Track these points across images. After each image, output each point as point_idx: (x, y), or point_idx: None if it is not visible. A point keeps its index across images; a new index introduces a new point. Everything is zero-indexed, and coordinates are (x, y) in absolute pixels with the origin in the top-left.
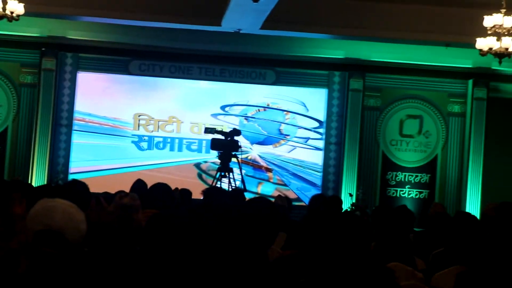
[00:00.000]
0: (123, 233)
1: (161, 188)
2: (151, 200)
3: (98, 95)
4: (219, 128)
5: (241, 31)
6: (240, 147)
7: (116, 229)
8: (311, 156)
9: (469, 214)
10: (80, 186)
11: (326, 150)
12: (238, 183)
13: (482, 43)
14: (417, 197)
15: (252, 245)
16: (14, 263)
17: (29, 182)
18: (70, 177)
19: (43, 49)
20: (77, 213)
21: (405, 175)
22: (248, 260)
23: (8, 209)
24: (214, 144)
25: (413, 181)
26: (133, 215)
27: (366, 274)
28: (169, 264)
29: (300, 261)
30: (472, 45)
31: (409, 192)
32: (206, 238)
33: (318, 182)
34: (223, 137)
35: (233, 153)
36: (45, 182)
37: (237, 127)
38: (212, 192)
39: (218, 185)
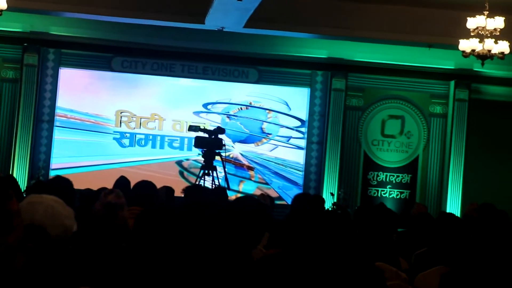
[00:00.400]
0: (108, 230)
1: (146, 185)
2: (135, 197)
3: (80, 92)
4: (202, 126)
5: (224, 29)
6: (224, 145)
7: (101, 226)
8: (293, 155)
9: (452, 214)
10: (64, 182)
11: (308, 149)
12: (221, 181)
13: (465, 45)
14: (398, 197)
15: (239, 244)
16: (12, 259)
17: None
18: (52, 173)
19: (25, 44)
20: (62, 208)
21: (386, 175)
22: (234, 259)
23: (5, 205)
24: (198, 142)
25: (394, 181)
26: (118, 212)
27: (357, 274)
28: (157, 262)
29: (285, 260)
30: (454, 47)
31: (390, 192)
32: (194, 236)
33: (300, 181)
34: (207, 135)
35: (217, 151)
36: (26, 178)
37: (220, 125)
38: (194, 190)
39: (201, 183)
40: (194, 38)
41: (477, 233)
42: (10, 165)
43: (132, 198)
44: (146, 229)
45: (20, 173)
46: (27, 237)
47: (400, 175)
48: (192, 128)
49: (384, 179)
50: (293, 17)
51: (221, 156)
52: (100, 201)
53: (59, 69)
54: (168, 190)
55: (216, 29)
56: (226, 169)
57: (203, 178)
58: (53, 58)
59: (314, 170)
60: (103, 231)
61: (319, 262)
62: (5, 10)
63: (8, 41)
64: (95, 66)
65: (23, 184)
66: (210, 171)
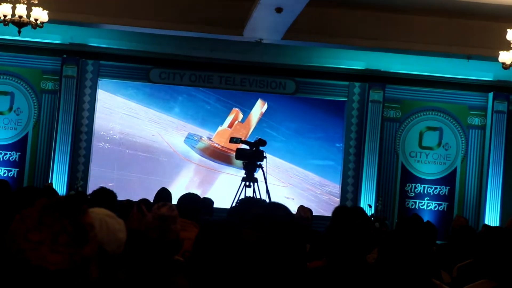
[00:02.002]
0: (161, 243)
1: (191, 198)
2: (180, 209)
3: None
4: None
5: (262, 41)
6: (265, 157)
7: (154, 240)
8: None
9: (499, 227)
10: (108, 194)
11: (345, 161)
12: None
13: (505, 57)
14: (436, 209)
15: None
16: (87, 271)
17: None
18: (90, 183)
19: (64, 56)
20: (115, 222)
21: (424, 187)
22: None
23: (80, 219)
24: (239, 154)
25: (432, 193)
26: (171, 225)
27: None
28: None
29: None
30: (493, 58)
31: (428, 204)
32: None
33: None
34: (248, 147)
35: (258, 163)
36: (65, 189)
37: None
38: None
39: (242, 195)
40: (232, 49)
41: None
42: (49, 175)
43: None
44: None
45: (59, 184)
46: None
47: (438, 187)
48: (233, 140)
49: (421, 191)
50: (331, 29)
51: (262, 168)
52: (153, 213)
53: (98, 81)
54: (205, 201)
55: (254, 41)
56: (267, 181)
57: (244, 190)
58: (91, 70)
59: (351, 182)
60: (156, 244)
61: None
62: (46, 22)
63: (47, 53)
64: (133, 77)
65: (62, 194)
66: (251, 183)
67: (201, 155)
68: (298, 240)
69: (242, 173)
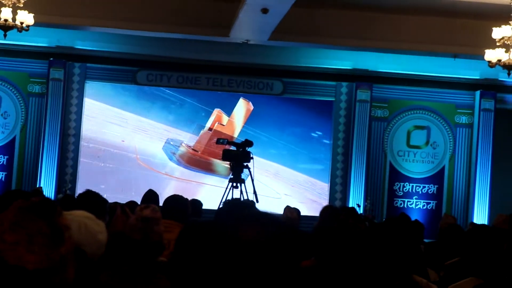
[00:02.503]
0: (145, 245)
1: (178, 199)
2: (166, 211)
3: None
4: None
5: (249, 42)
6: (252, 158)
7: (138, 241)
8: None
9: (485, 226)
10: (95, 197)
11: (334, 160)
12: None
13: (491, 55)
14: (424, 208)
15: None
16: (65, 270)
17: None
18: (78, 187)
19: (51, 59)
20: (95, 224)
21: (412, 186)
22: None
23: (56, 220)
24: (226, 155)
25: (420, 192)
26: (154, 227)
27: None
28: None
29: (322, 272)
30: (480, 57)
31: (417, 203)
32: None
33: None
34: (234, 148)
35: (245, 164)
36: (53, 192)
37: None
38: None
39: (230, 197)
40: (219, 51)
41: (509, 244)
42: (37, 179)
43: (163, 212)
44: (191, 245)
45: (47, 187)
46: None
47: (426, 185)
48: (219, 141)
49: (410, 190)
50: (317, 29)
51: (249, 169)
52: (136, 216)
53: (85, 83)
54: (193, 202)
55: (241, 42)
56: (254, 182)
57: (231, 191)
58: (78, 73)
59: (339, 182)
60: (139, 246)
61: (355, 274)
62: (32, 25)
63: (34, 56)
64: (120, 79)
65: (49, 198)
66: (238, 184)
67: (179, 164)
68: (294, 240)
69: (225, 182)
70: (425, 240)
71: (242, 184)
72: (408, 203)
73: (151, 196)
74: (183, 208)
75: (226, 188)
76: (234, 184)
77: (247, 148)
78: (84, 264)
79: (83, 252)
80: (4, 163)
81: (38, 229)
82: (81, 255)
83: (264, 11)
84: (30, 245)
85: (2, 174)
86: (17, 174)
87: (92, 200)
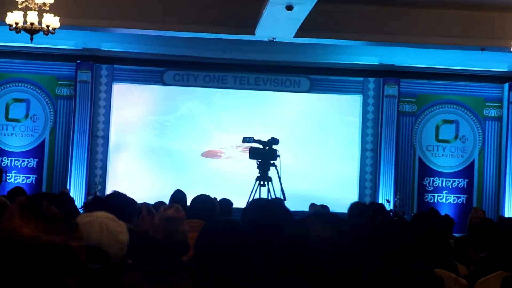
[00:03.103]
0: (168, 245)
1: (205, 198)
2: (194, 211)
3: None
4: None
5: (275, 40)
6: (278, 156)
7: (161, 241)
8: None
9: None
10: (122, 198)
11: (362, 156)
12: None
13: None
14: (455, 202)
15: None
16: (76, 259)
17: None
18: (108, 187)
19: (78, 61)
20: (115, 224)
21: (442, 181)
22: None
23: (50, 212)
24: (253, 153)
25: (450, 187)
26: (178, 227)
27: (417, 282)
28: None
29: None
30: (507, 49)
31: (447, 198)
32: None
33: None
34: (261, 146)
35: (272, 162)
36: (84, 193)
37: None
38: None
39: (257, 195)
40: (245, 49)
41: None
42: (67, 181)
43: (191, 212)
44: (209, 245)
45: (77, 189)
46: (87, 258)
47: (456, 180)
48: (246, 140)
49: (440, 185)
50: (343, 25)
51: (276, 167)
52: (159, 215)
53: (112, 85)
54: (223, 202)
55: (267, 40)
56: (281, 180)
57: (258, 190)
58: (106, 74)
59: (369, 178)
60: (163, 246)
61: (379, 269)
62: (58, 28)
63: (61, 59)
64: (148, 80)
65: (79, 200)
66: (266, 182)
67: None
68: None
69: None
70: (456, 235)
71: (270, 182)
72: (438, 197)
73: (178, 196)
74: (211, 207)
75: (254, 186)
76: (261, 183)
77: (273, 146)
78: (107, 265)
79: (106, 252)
80: (34, 166)
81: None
82: (103, 255)
83: (289, 8)
84: (50, 234)
85: (32, 177)
86: (47, 177)
87: (119, 201)
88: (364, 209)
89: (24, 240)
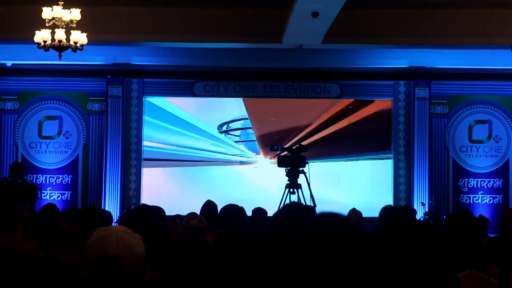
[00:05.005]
0: (191, 254)
1: (233, 208)
2: (222, 220)
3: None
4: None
5: (303, 47)
6: (307, 162)
7: (183, 251)
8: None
9: None
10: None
11: (396, 160)
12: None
13: None
14: (490, 202)
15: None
16: (78, 269)
17: (103, 208)
18: (143, 201)
19: (108, 76)
20: (131, 237)
21: (477, 181)
22: None
23: (59, 227)
24: (281, 161)
25: (485, 187)
26: (201, 237)
27: (431, 285)
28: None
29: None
30: None
31: (483, 198)
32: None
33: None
34: (289, 154)
35: (300, 169)
36: (119, 208)
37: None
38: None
39: (287, 203)
40: (273, 57)
41: None
42: (101, 196)
43: (220, 221)
44: (222, 254)
45: (112, 204)
46: (102, 272)
47: (491, 180)
48: (273, 148)
49: (475, 185)
50: (370, 29)
51: (305, 174)
52: (183, 226)
53: (143, 98)
54: (257, 211)
55: (295, 47)
56: (310, 187)
57: (288, 197)
58: (136, 88)
59: (403, 181)
60: (185, 255)
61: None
62: (86, 44)
63: (92, 75)
64: (178, 92)
65: (115, 214)
66: (295, 190)
67: None
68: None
69: None
70: (491, 235)
71: (299, 190)
72: (474, 198)
73: (209, 206)
74: (239, 216)
75: (283, 194)
76: (291, 190)
77: (301, 153)
78: (124, 277)
79: (123, 265)
80: (69, 182)
81: (43, 238)
82: (120, 268)
83: (314, 15)
84: (45, 250)
85: (68, 193)
86: (82, 193)
87: (149, 214)
88: (388, 213)
89: (17, 254)
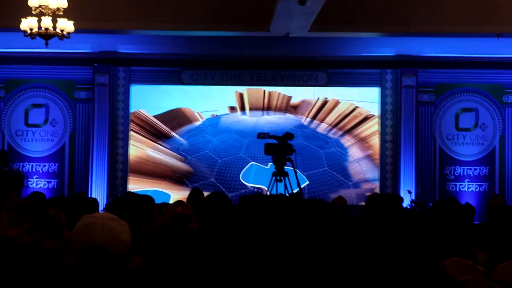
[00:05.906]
0: (177, 241)
1: (218, 196)
2: (208, 208)
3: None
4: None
5: (290, 35)
6: (294, 150)
7: (169, 238)
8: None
9: None
10: (136, 199)
11: (383, 148)
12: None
13: None
14: (477, 190)
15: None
16: (63, 255)
17: (89, 196)
18: (130, 189)
19: (95, 64)
20: (117, 225)
21: (463, 169)
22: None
23: (45, 213)
24: (268, 149)
25: (472, 175)
26: (187, 224)
27: (416, 272)
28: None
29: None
30: None
31: (469, 186)
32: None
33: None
34: (276, 142)
35: (287, 156)
36: (105, 196)
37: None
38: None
39: (274, 191)
40: (260, 46)
41: None
42: (88, 184)
43: (205, 209)
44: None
45: (98, 191)
46: (88, 259)
47: (478, 168)
48: (261, 136)
49: (461, 173)
50: (358, 17)
51: (291, 161)
52: (169, 213)
53: (130, 86)
54: (243, 199)
55: (282, 35)
56: (297, 175)
57: (275, 185)
58: (123, 76)
59: (390, 169)
60: (171, 242)
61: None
62: (73, 32)
63: (78, 63)
64: (165, 81)
65: (102, 202)
66: (282, 177)
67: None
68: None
69: None
70: (477, 223)
71: (286, 177)
72: (460, 186)
73: (196, 194)
74: (225, 204)
75: (270, 181)
76: (278, 178)
77: (288, 141)
78: (110, 264)
79: (109, 252)
80: (55, 170)
81: (29, 224)
82: (106, 255)
83: (302, 2)
84: (30, 236)
85: (54, 181)
86: (68, 181)
87: (135, 201)
88: (374, 201)
89: (1, 239)
